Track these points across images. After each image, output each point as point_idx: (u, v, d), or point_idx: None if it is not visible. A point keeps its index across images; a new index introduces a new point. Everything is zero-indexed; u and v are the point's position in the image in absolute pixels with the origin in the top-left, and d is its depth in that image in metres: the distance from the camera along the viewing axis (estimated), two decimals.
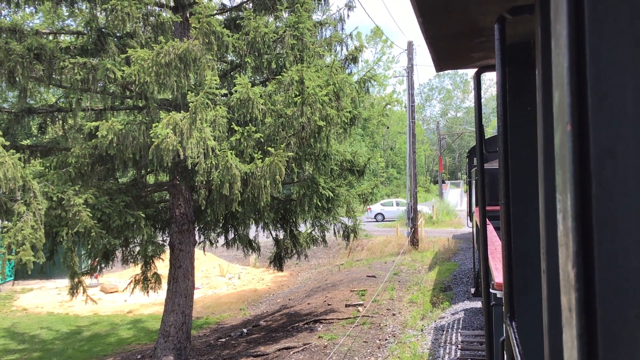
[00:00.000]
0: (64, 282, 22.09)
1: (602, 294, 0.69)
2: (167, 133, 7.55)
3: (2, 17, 11.87)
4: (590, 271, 0.70)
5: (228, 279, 22.62)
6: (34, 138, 18.63)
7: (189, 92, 8.13)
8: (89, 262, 19.70)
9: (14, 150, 7.83)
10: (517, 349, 1.82)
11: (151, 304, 18.71)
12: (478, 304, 12.80)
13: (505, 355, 3.88)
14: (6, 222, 8.58)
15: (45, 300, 19.70)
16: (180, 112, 9.26)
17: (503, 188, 2.01)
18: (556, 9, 0.79)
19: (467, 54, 2.94)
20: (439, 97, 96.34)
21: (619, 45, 0.68)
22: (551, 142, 1.57)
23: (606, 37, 0.69)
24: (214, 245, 14.03)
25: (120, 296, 19.87)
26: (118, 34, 10.31)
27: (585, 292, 0.70)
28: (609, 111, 0.68)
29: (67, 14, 12.09)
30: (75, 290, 9.50)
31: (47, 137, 12.41)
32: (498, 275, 4.43)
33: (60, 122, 11.74)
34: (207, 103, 7.95)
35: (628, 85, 0.67)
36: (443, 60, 3.08)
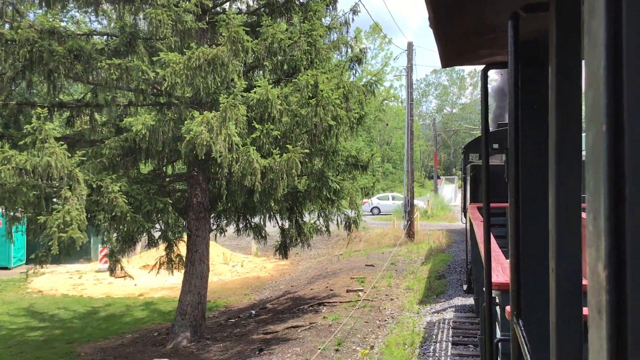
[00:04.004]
0: (75, 267, 23.13)
1: (633, 296, 0.68)
2: (202, 130, 8.56)
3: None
4: (621, 273, 0.70)
5: (231, 266, 23.63)
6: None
7: (221, 95, 9.13)
8: (103, 245, 20.61)
9: (62, 142, 8.81)
10: (525, 346, 1.80)
11: (160, 288, 19.74)
12: (470, 300, 13.29)
13: (499, 354, 3.82)
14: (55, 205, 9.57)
15: (59, 283, 20.66)
16: (203, 110, 10.26)
17: (513, 185, 1.97)
18: (591, 5, 0.78)
19: (475, 51, 2.96)
20: (435, 93, 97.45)
21: None
22: (564, 140, 1.61)
23: None
24: (223, 234, 15.05)
25: (130, 281, 20.77)
26: (146, 37, 11.26)
27: (617, 293, 0.70)
28: None
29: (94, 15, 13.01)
30: (114, 269, 10.48)
31: (70, 130, 13.31)
32: (495, 275, 4.37)
33: (87, 116, 12.69)
34: (235, 104, 8.95)
35: None
36: (450, 56, 3.11)
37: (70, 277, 21.83)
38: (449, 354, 9.21)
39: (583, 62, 1.63)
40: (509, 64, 1.97)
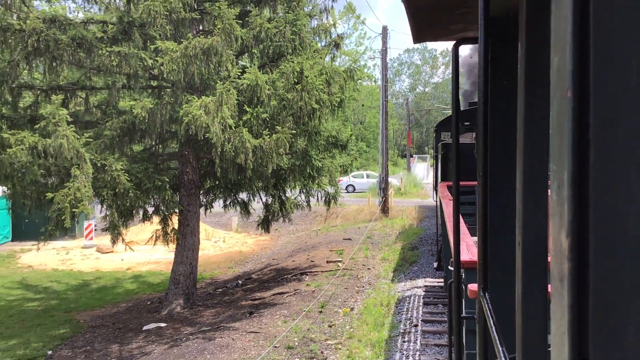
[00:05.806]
0: (60, 244, 23.79)
1: (595, 264, 0.67)
2: (201, 113, 9.47)
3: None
4: (584, 241, 0.68)
5: (214, 242, 24.57)
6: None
7: (214, 80, 10.02)
8: (86, 222, 21.41)
9: (72, 125, 9.63)
10: (490, 319, 1.79)
11: (146, 263, 20.62)
12: (440, 280, 13.76)
13: (464, 329, 4.04)
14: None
15: (47, 258, 21.37)
16: (195, 94, 11.15)
17: (482, 161, 1.95)
18: None
19: (446, 26, 2.96)
20: (408, 72, 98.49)
21: (624, 8, 0.66)
22: (531, 115, 1.62)
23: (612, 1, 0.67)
24: (210, 209, 15.98)
25: (117, 256, 21.61)
26: (141, 24, 12.04)
27: (579, 262, 0.69)
28: (612, 77, 0.66)
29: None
30: (115, 241, 11.38)
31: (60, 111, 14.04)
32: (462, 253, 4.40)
33: (82, 99, 13.43)
34: (229, 89, 9.87)
35: (633, 50, 0.66)
36: (422, 31, 3.12)
37: (57, 253, 22.55)
38: (420, 311, 10.38)
39: None
40: (479, 39, 1.93)
